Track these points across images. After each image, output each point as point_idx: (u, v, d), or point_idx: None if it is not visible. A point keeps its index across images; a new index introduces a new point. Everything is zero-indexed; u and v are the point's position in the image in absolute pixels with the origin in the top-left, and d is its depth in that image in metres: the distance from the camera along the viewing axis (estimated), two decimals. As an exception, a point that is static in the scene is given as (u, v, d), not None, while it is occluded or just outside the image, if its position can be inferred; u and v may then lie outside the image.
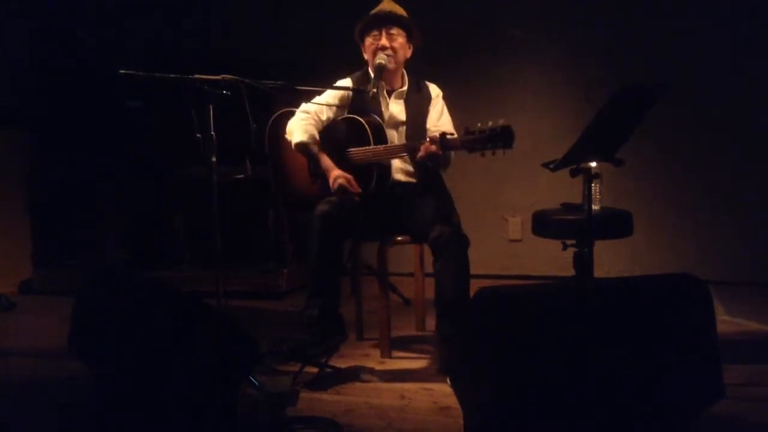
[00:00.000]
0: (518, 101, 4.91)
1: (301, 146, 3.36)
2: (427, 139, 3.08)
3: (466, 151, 2.97)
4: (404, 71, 3.48)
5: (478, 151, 2.90)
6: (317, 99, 3.39)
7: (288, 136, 3.41)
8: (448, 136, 3.01)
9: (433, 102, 3.45)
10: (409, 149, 3.18)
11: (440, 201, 3.34)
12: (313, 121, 3.38)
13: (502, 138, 2.83)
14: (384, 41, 3.33)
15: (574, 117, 4.53)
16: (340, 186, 3.23)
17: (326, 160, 3.34)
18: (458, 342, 2.44)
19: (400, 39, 3.35)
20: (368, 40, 3.37)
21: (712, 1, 4.57)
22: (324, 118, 3.41)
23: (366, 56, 3.42)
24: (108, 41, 4.98)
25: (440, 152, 3.03)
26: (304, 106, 3.39)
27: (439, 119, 3.43)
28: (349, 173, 3.28)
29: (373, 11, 3.38)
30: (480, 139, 2.87)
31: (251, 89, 2.95)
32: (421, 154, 3.06)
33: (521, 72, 4.90)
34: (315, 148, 3.36)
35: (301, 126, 3.36)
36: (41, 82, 4.92)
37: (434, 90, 3.49)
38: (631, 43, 4.67)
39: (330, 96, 3.41)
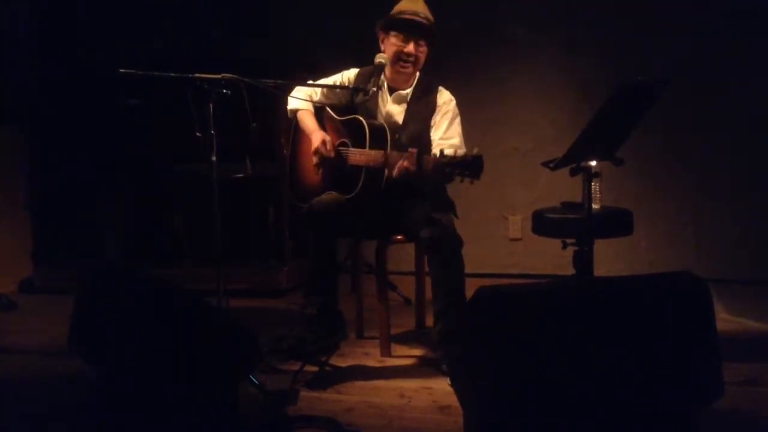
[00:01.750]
0: (518, 100, 4.91)
1: (294, 112, 3.54)
2: (408, 152, 3.03)
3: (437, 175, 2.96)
4: (418, 73, 3.46)
5: (446, 175, 2.90)
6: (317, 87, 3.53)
7: (288, 106, 3.58)
8: (425, 156, 2.98)
9: (440, 110, 3.38)
10: (389, 162, 3.14)
11: (435, 200, 3.33)
12: (307, 96, 3.50)
13: (471, 167, 2.82)
14: (410, 49, 3.32)
15: (574, 116, 4.52)
16: (316, 148, 3.35)
17: (311, 124, 3.46)
18: (458, 341, 2.44)
19: (424, 48, 3.36)
20: (393, 39, 3.35)
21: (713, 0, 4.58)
22: (316, 98, 3.51)
23: (382, 47, 3.40)
24: (107, 40, 4.97)
25: (413, 168, 2.98)
26: (302, 86, 3.53)
27: (447, 131, 3.35)
28: (342, 172, 3.32)
29: (407, 13, 3.33)
30: (450, 164, 2.86)
31: (251, 88, 2.96)
32: (398, 166, 3.04)
33: (521, 71, 4.90)
34: (304, 113, 3.49)
35: (296, 97, 3.51)
36: (41, 82, 4.92)
37: (443, 97, 3.41)
38: (631, 41, 4.66)
39: (329, 83, 3.50)
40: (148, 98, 4.62)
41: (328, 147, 3.34)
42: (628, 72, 4.47)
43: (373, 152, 3.21)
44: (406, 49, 3.32)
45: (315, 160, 3.42)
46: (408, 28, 3.32)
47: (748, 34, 4.51)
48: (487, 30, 4.90)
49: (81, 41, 5.03)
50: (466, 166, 2.83)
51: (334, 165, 3.38)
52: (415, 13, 3.33)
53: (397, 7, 3.39)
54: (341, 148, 3.38)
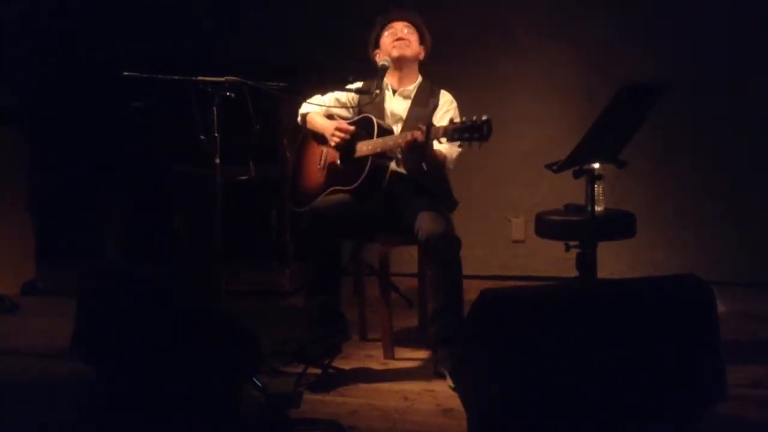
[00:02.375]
0: (520, 102, 4.90)
1: (305, 115, 3.57)
2: (419, 128, 3.09)
3: (446, 140, 3.04)
4: (419, 74, 3.55)
5: (455, 141, 3.00)
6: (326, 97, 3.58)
7: (299, 114, 3.61)
8: (434, 127, 3.06)
9: (441, 107, 3.44)
10: (397, 142, 3.20)
11: (435, 200, 3.34)
12: (318, 103, 3.54)
13: (479, 130, 2.90)
14: (401, 34, 3.46)
15: (577, 118, 4.51)
16: (336, 128, 3.37)
17: (322, 119, 3.51)
18: (461, 343, 2.44)
19: (413, 37, 3.48)
20: (384, 39, 3.50)
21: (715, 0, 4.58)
22: (328, 104, 3.55)
23: (380, 60, 3.47)
24: (110, 41, 4.98)
25: (422, 139, 3.04)
26: (315, 97, 3.57)
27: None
28: (347, 165, 3.34)
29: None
30: (459, 129, 2.94)
31: (254, 90, 2.96)
32: (408, 139, 3.09)
33: (523, 72, 4.89)
34: (315, 114, 3.54)
35: (309, 104, 3.54)
36: (43, 82, 4.92)
37: (445, 97, 3.48)
38: (634, 42, 4.66)
39: (337, 93, 3.56)
40: (148, 99, 4.62)
41: (344, 126, 3.37)
42: (631, 72, 4.48)
43: (380, 139, 3.26)
44: (397, 36, 3.46)
45: (322, 162, 3.45)
46: (389, 19, 3.52)
47: (750, 34, 4.50)
48: (489, 31, 4.90)
49: (81, 41, 5.03)
50: (476, 129, 2.90)
51: (339, 162, 3.40)
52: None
53: None
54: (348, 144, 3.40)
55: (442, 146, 3.22)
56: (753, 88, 4.52)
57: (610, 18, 4.70)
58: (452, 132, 2.96)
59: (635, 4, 4.66)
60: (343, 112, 3.56)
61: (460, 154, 3.34)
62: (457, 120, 3.31)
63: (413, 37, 3.48)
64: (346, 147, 3.37)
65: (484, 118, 2.90)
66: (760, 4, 4.48)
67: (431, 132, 3.03)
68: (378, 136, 3.28)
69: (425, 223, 3.16)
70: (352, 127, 3.37)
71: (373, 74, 3.43)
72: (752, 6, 4.49)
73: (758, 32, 4.49)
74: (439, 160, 3.27)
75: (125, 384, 2.51)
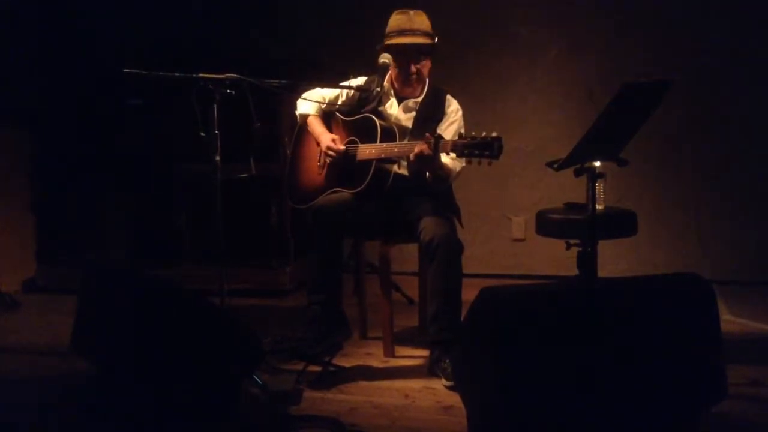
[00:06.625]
0: (522, 100, 4.90)
1: (304, 116, 3.55)
2: (425, 137, 3.05)
3: (455, 155, 3.02)
4: (427, 80, 3.47)
5: (465, 157, 2.96)
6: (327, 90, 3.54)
7: (297, 111, 3.58)
8: (443, 140, 3.01)
9: (447, 118, 3.40)
10: (403, 150, 3.17)
11: (438, 202, 3.33)
12: (319, 100, 3.50)
13: (490, 148, 2.87)
14: (411, 69, 3.34)
15: (578, 116, 4.52)
16: (328, 146, 3.36)
17: (319, 128, 3.48)
18: (461, 341, 2.44)
19: (425, 62, 3.37)
20: (394, 59, 3.35)
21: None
22: (328, 100, 3.51)
23: (381, 58, 3.36)
24: (111, 39, 4.98)
25: (431, 153, 3.01)
26: (316, 89, 3.54)
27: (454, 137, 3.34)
28: (350, 167, 3.32)
29: (401, 34, 3.31)
30: (469, 145, 2.91)
31: (255, 88, 2.96)
32: (415, 152, 3.06)
33: (525, 71, 4.89)
34: (313, 119, 3.51)
35: (307, 100, 3.50)
36: (44, 82, 4.92)
37: (452, 106, 3.42)
38: (635, 40, 4.66)
39: (337, 91, 3.52)
40: (150, 98, 4.62)
41: (337, 144, 3.36)
42: (633, 70, 4.48)
43: (384, 144, 3.23)
44: (409, 72, 3.34)
45: (322, 160, 3.44)
46: (404, 53, 3.33)
47: (752, 34, 4.50)
48: (489, 29, 4.90)
49: (83, 41, 5.03)
50: (486, 146, 2.87)
51: (340, 162, 3.38)
52: (410, 32, 3.31)
53: (391, 24, 3.37)
54: (350, 145, 3.39)
55: (447, 159, 3.19)
56: (757, 88, 4.52)
57: (612, 16, 4.70)
58: (462, 147, 2.93)
59: (636, 3, 4.66)
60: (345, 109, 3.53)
61: (463, 169, 3.28)
62: (463, 131, 3.27)
63: (425, 65, 3.36)
64: (347, 153, 3.36)
65: (494, 134, 2.87)
66: (759, 2, 4.48)
67: (440, 145, 3.00)
68: (381, 138, 3.26)
69: (429, 225, 3.15)
70: (342, 148, 3.35)
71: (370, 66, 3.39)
72: (752, 4, 4.49)
73: (759, 30, 4.49)
74: (443, 173, 3.22)
75: (127, 383, 2.51)
